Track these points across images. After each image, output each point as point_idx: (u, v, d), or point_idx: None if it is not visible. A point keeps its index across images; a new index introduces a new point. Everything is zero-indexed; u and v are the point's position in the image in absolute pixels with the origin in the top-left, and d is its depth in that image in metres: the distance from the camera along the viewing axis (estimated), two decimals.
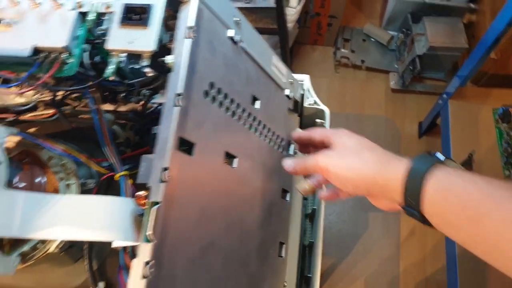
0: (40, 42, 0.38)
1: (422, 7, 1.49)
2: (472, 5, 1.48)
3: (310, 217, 0.66)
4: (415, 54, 1.46)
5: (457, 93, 1.25)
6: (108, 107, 0.60)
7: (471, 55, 1.16)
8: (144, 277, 0.30)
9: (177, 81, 0.36)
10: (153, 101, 0.60)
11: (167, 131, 0.34)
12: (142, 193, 0.36)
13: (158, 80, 0.52)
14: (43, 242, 0.42)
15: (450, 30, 1.47)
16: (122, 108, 0.61)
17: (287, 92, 0.56)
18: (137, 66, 0.60)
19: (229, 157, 0.43)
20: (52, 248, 0.43)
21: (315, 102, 0.64)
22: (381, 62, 1.64)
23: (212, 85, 0.40)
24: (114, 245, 0.37)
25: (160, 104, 0.63)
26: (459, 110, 1.23)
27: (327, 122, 0.63)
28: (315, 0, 1.42)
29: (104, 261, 0.46)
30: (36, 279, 0.45)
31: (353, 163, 0.40)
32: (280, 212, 0.53)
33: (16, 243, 0.41)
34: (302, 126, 0.64)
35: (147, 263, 0.31)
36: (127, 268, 0.37)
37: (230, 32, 0.43)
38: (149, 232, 0.31)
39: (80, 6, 0.40)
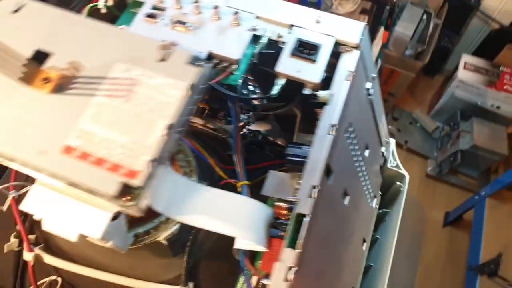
0: (215, 50, 0.43)
1: (473, 108, 1.57)
2: None
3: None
4: (458, 148, 1.52)
5: (495, 195, 1.29)
6: (197, 120, 0.65)
7: None
8: (286, 280, 0.33)
9: (333, 114, 0.40)
10: (252, 128, 0.65)
11: (319, 155, 0.38)
12: (282, 204, 0.39)
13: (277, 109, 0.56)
14: (156, 229, 0.45)
15: (494, 135, 1.53)
16: (210, 125, 0.65)
17: (383, 149, 0.61)
18: (245, 91, 0.65)
19: (344, 195, 0.46)
20: (161, 237, 0.45)
21: (397, 165, 0.67)
22: (422, 147, 1.70)
23: (350, 125, 0.44)
24: (237, 246, 0.39)
25: (252, 131, 0.67)
26: (495, 210, 1.26)
27: (405, 187, 0.67)
28: (383, 75, 1.50)
29: (198, 262, 0.48)
30: (131, 264, 0.47)
31: None
32: (358, 258, 0.55)
33: (135, 223, 0.43)
34: (382, 187, 0.67)
35: (290, 268, 0.33)
36: (246, 271, 0.39)
37: (368, 85, 0.48)
38: (300, 240, 0.34)
39: (255, 29, 0.45)
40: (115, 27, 0.39)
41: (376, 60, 1.22)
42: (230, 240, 0.38)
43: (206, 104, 0.62)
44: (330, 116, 0.40)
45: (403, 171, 0.66)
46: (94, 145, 0.29)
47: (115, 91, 0.30)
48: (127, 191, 0.28)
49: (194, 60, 0.33)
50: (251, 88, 0.67)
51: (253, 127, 0.69)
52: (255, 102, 0.65)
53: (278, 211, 0.39)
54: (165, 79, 0.31)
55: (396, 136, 1.70)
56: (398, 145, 1.69)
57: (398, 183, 0.66)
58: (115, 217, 0.35)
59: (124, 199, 0.28)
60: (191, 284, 0.47)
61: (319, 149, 0.39)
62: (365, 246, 0.57)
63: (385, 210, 0.69)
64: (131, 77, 0.31)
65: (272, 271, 0.33)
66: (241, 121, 0.66)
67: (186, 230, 0.49)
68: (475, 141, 1.49)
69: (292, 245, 0.34)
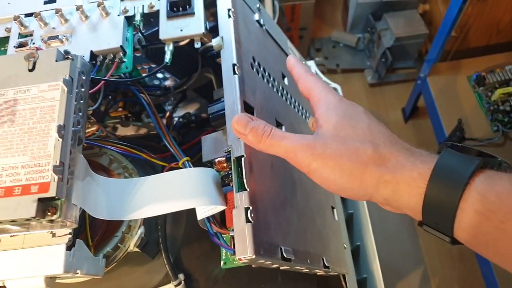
0: (94, 47, 0.42)
1: (380, 6, 1.61)
2: None
3: None
4: (384, 47, 1.57)
5: (432, 71, 1.34)
6: (127, 130, 0.63)
7: (436, 38, 1.27)
8: (248, 221, 0.32)
9: (231, 54, 0.40)
10: (181, 112, 0.64)
11: (233, 96, 0.38)
12: (220, 158, 0.39)
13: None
14: (121, 241, 0.44)
15: (409, 21, 1.59)
16: (142, 131, 0.64)
17: None
18: (156, 82, 0.64)
19: (278, 125, 0.47)
20: (131, 246, 0.44)
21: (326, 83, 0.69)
22: (353, 62, 1.74)
23: (254, 59, 0.44)
24: (199, 217, 0.39)
25: (183, 115, 0.66)
26: (438, 85, 1.32)
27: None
28: (286, 15, 1.51)
29: (178, 253, 0.48)
30: (118, 284, 0.46)
31: (343, 161, 0.28)
32: (329, 225, 0.55)
33: (99, 244, 0.42)
34: None
35: (247, 209, 0.33)
36: (217, 234, 0.39)
37: (256, 16, 0.48)
38: (245, 180, 0.33)
39: (126, 11, 0.44)
40: None
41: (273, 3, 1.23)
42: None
43: (127, 111, 0.61)
44: (228, 58, 0.40)
45: (334, 84, 0.68)
46: None
47: None
48: (47, 206, 0.27)
49: (62, 56, 0.32)
50: (160, 75, 0.66)
51: (181, 111, 0.68)
52: (167, 83, 0.64)
53: (219, 167, 0.39)
54: (40, 85, 0.30)
55: (326, 64, 1.73)
56: (332, 71, 1.73)
57: None
58: (70, 246, 0.34)
59: (49, 213, 0.27)
60: (181, 276, 0.47)
61: (230, 91, 0.39)
62: (336, 215, 0.57)
63: None
64: (8, 99, 0.29)
65: (233, 220, 0.33)
66: (167, 111, 0.66)
67: (152, 229, 0.49)
68: (395, 34, 1.54)
69: (241, 188, 0.34)
